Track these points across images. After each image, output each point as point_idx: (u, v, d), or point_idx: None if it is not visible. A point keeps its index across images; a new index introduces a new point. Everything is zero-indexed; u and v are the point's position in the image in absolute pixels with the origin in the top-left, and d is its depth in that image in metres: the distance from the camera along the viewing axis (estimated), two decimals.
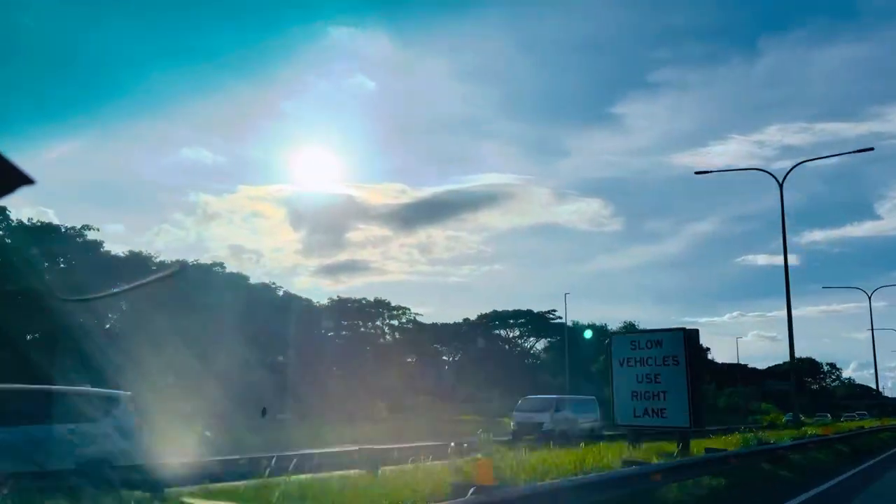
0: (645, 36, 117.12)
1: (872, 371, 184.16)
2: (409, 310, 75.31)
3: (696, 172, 36.44)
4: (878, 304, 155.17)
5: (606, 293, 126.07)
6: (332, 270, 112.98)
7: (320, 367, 56.54)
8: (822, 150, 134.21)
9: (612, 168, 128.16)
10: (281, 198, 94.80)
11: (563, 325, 79.15)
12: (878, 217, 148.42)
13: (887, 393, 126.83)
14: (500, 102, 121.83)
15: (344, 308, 70.56)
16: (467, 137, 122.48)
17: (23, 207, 44.12)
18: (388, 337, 76.44)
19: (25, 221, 42.48)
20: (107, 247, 49.91)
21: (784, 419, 57.15)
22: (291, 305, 59.73)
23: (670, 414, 18.60)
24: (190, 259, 57.54)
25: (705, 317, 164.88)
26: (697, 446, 19.58)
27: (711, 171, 36.91)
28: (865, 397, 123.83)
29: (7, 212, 40.35)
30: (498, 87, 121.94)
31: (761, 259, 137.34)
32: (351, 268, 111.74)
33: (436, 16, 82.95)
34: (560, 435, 27.90)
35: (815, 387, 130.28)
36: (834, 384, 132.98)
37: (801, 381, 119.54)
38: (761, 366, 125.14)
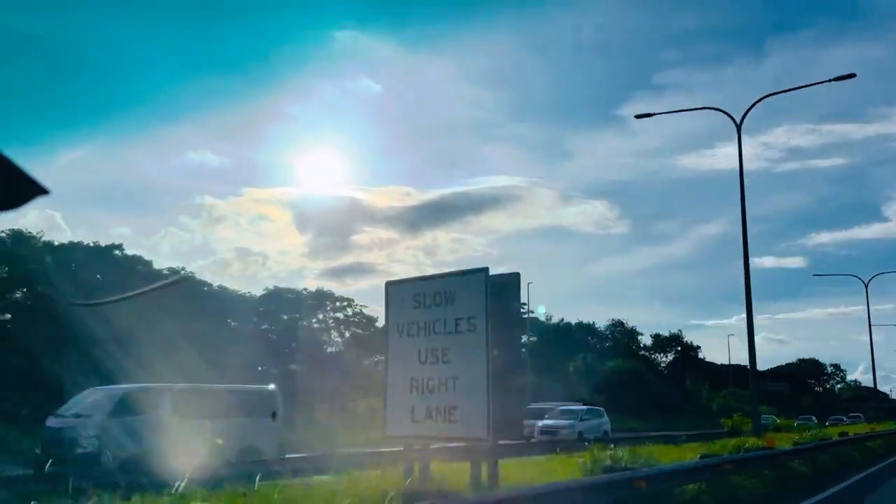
0: (652, 38, 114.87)
1: (881, 374, 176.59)
2: (353, 301, 67.53)
3: (636, 116, 29.38)
4: (888, 305, 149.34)
5: (613, 296, 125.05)
6: (338, 273, 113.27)
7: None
8: (829, 152, 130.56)
9: (617, 170, 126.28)
10: (286, 200, 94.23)
11: (535, 319, 71.26)
12: (885, 219, 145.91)
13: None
14: (507, 105, 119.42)
15: (278, 299, 62.73)
16: (473, 140, 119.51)
17: (29, 212, 45.39)
18: (333, 332, 68.63)
19: None
20: None
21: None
22: (194, 293, 51.91)
23: (463, 416, 10.72)
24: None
25: (713, 319, 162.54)
26: (521, 473, 11.77)
27: (653, 115, 29.61)
28: (871, 399, 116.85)
29: None
30: (504, 90, 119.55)
31: (768, 261, 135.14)
32: (357, 270, 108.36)
33: (442, 19, 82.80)
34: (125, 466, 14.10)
35: (818, 389, 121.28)
36: (839, 386, 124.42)
37: (803, 383, 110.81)
38: (765, 367, 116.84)
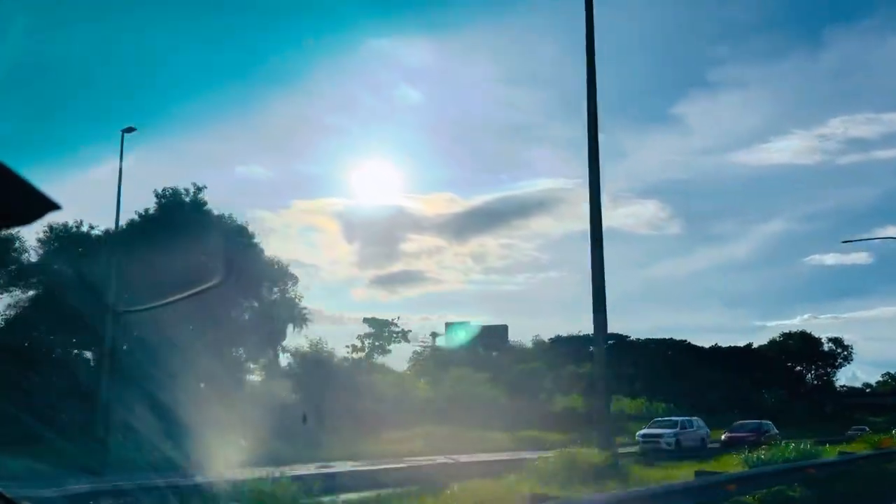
0: (703, 33, 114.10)
1: None
2: None
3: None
4: None
5: (670, 299, 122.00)
6: (388, 281, 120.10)
7: None
8: (890, 141, 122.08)
9: (668, 169, 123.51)
10: (334, 211, 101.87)
11: None
12: None
13: None
14: (549, 105, 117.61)
15: None
16: (516, 143, 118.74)
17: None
18: None
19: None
20: None
21: None
22: None
23: None
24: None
25: (776, 320, 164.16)
26: None
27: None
28: None
29: None
30: (546, 90, 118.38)
31: (830, 259, 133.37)
32: (406, 278, 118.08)
33: (478, 21, 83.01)
34: None
35: (810, 375, 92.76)
36: (879, 380, 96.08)
37: (776, 368, 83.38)
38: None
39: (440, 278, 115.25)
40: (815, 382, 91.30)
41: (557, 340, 69.16)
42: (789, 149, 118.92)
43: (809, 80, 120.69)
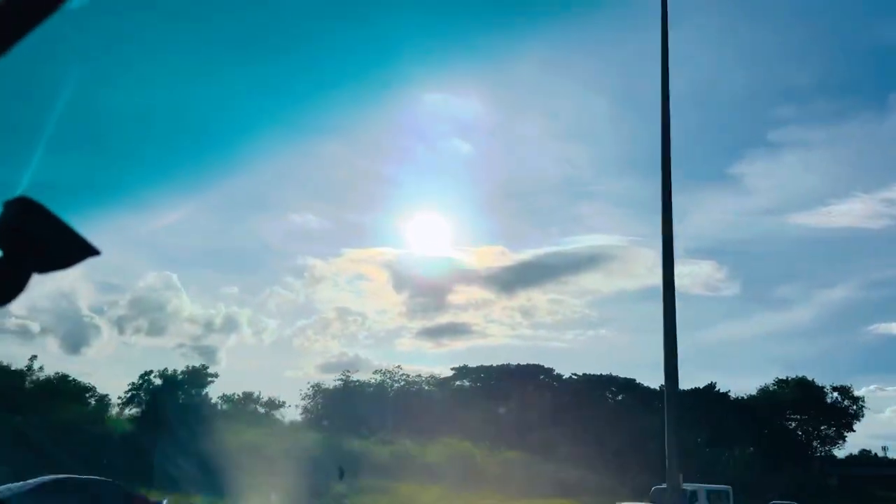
0: (764, 94, 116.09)
1: None
2: None
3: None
4: None
5: (726, 363, 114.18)
6: (435, 333, 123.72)
7: None
8: None
9: (727, 229, 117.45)
10: (384, 261, 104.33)
11: None
12: None
13: None
14: (601, 161, 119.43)
15: None
16: (568, 198, 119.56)
17: (146, 272, 38.95)
18: None
19: None
20: None
21: None
22: None
23: None
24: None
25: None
26: None
27: None
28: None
29: None
30: (598, 146, 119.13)
31: None
32: (453, 331, 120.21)
33: (530, 75, 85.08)
34: None
35: (816, 435, 74.22)
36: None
37: (763, 417, 66.20)
38: None
39: (487, 332, 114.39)
40: (830, 447, 73.52)
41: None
42: (852, 212, 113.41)
43: (874, 143, 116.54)
